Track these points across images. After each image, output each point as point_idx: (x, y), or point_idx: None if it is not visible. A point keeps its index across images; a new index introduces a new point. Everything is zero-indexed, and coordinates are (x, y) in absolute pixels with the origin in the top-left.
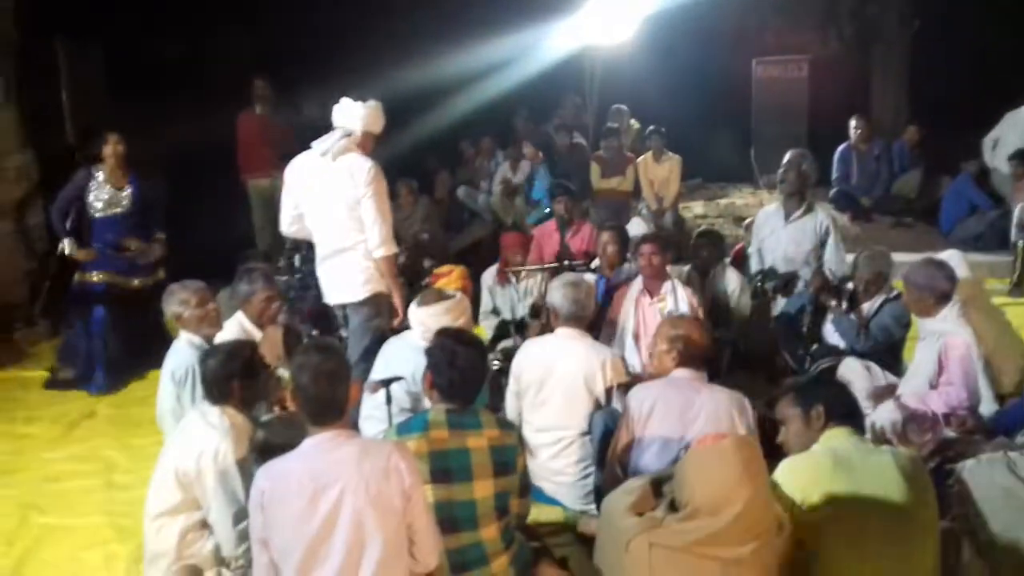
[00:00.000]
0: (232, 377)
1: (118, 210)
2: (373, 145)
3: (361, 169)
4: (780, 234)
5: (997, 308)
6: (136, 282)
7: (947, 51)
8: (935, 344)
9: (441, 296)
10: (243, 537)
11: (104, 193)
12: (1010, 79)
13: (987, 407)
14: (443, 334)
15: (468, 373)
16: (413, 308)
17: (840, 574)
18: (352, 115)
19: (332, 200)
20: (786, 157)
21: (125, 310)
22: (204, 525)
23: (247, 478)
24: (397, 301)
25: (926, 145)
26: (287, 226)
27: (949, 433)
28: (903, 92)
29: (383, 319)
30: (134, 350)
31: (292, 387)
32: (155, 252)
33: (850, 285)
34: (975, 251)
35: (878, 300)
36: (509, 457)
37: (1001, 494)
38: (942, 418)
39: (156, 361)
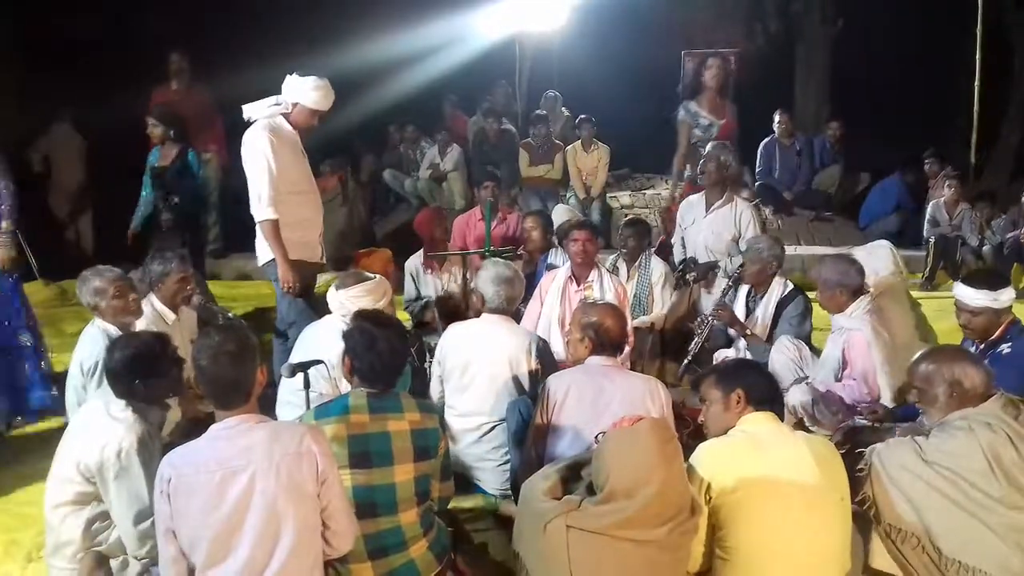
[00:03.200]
0: (136, 375)
1: None
2: (312, 121)
3: (247, 133)
4: (701, 224)
5: (916, 301)
6: None
7: (868, 52)
8: (840, 339)
9: (360, 278)
10: (146, 537)
11: None
12: (928, 83)
13: (885, 401)
14: (361, 316)
15: (388, 357)
16: (332, 292)
17: (752, 554)
18: (288, 86)
19: None
20: (706, 149)
21: None
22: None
23: (151, 475)
24: (280, 271)
25: (845, 142)
26: None
27: (861, 421)
28: (825, 90)
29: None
30: None
31: (194, 370)
32: None
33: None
34: None
35: (772, 299)
36: (431, 441)
37: (908, 477)
38: (850, 406)
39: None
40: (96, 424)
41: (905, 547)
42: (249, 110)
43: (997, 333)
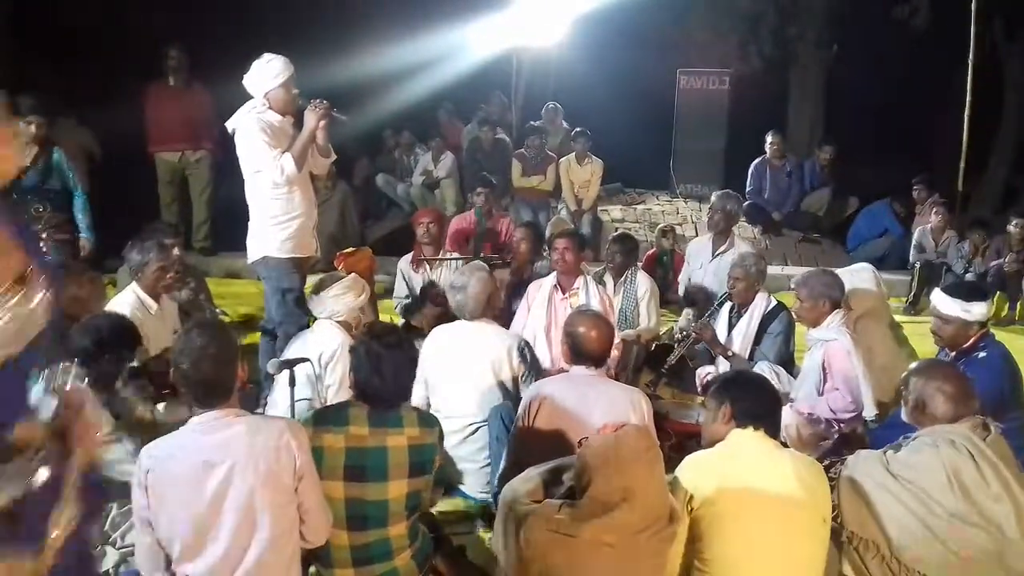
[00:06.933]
0: (106, 351)
1: None
2: (290, 96)
3: (239, 132)
4: (707, 268)
5: (898, 323)
6: None
7: (862, 78)
8: (819, 352)
9: (335, 278)
10: None
11: None
12: (919, 110)
13: (869, 411)
14: (370, 334)
15: (392, 382)
16: (311, 299)
17: (728, 567)
18: (250, 86)
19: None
20: (712, 199)
21: None
22: None
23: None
24: (313, 125)
25: (836, 165)
26: None
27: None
28: (818, 113)
29: (278, 281)
30: None
31: (174, 371)
32: None
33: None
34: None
35: (756, 313)
36: (427, 457)
37: (874, 488)
38: (831, 423)
39: None
40: None
41: (867, 556)
42: (232, 123)
43: (969, 343)
